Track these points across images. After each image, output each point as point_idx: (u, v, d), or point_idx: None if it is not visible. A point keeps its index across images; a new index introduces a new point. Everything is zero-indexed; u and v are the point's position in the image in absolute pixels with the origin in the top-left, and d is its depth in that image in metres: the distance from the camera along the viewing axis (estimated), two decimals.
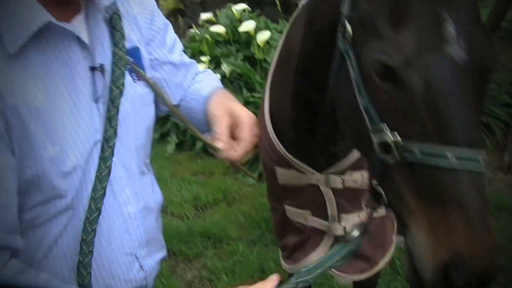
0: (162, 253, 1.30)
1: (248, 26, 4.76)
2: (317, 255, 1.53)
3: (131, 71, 1.12)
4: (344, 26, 0.95)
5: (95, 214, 1.02)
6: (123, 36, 1.08)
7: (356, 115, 0.93)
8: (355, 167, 1.38)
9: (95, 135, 1.03)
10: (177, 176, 4.21)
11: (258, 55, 4.69)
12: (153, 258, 1.24)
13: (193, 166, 4.41)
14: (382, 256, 1.62)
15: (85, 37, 1.00)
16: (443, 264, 0.79)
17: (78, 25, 1.00)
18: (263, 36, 4.60)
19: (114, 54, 1.05)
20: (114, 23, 1.07)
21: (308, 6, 1.21)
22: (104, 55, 1.05)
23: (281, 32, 4.97)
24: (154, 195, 1.25)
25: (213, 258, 3.15)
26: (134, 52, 1.15)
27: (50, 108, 0.95)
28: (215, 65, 4.87)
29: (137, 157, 1.15)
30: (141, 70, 1.14)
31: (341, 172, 1.39)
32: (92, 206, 1.02)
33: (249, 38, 4.86)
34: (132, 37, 1.15)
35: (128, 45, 1.11)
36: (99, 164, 1.03)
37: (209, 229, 3.36)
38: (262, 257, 3.04)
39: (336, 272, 1.57)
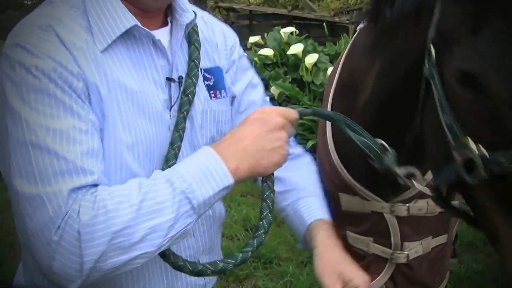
0: None
1: (296, 48, 4.84)
2: (378, 283, 1.52)
3: (210, 89, 1.18)
4: (429, 50, 0.93)
5: None
6: (197, 49, 1.14)
7: (439, 136, 0.90)
8: (421, 195, 1.35)
9: (164, 140, 1.07)
10: (226, 197, 4.24)
11: (306, 77, 4.74)
12: None
13: (242, 187, 4.47)
14: (440, 283, 1.61)
15: (165, 44, 1.08)
16: None
17: (159, 34, 1.07)
18: (311, 58, 4.65)
19: (188, 65, 1.12)
20: (190, 37, 1.14)
21: (388, 45, 1.16)
22: (181, 69, 1.11)
23: (328, 55, 5.01)
24: (218, 205, 1.28)
25: (263, 278, 3.19)
26: (216, 71, 1.20)
27: (131, 96, 1.01)
28: (263, 87, 4.94)
29: None
30: None
31: (407, 201, 1.39)
32: None
33: (297, 60, 4.93)
34: (216, 59, 1.21)
35: (210, 64, 1.18)
36: (162, 164, 1.05)
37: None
38: (312, 278, 3.04)
39: None
